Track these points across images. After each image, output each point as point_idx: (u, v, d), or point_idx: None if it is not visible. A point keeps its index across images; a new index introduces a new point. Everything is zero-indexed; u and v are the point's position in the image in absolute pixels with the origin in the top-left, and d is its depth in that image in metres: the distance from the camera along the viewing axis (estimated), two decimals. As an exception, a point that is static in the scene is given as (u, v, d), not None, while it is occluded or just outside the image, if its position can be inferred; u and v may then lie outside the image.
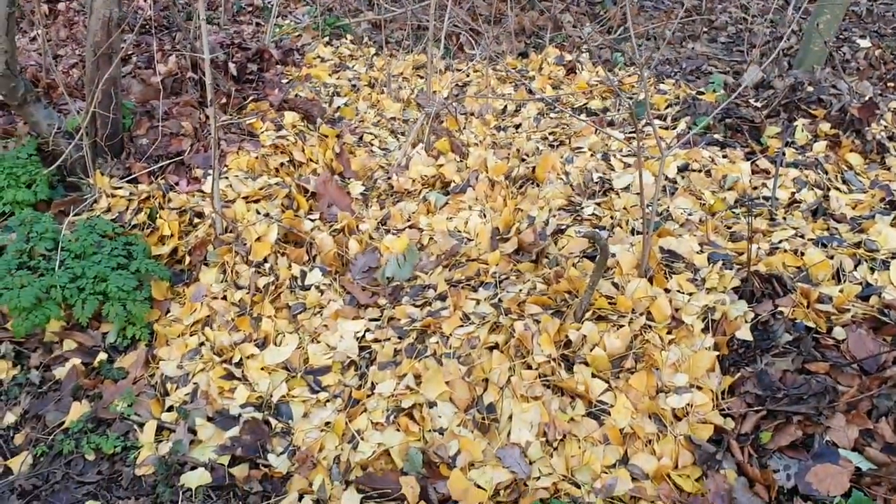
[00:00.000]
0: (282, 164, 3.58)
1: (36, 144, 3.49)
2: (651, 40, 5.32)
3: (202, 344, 2.70)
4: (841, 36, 4.97)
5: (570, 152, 3.71)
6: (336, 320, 2.76)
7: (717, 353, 2.38)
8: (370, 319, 2.79)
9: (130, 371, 2.65)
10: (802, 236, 2.88)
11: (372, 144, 3.86)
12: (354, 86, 4.59)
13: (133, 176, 3.43)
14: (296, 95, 4.31)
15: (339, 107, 4.28)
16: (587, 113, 4.24)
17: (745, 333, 2.38)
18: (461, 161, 3.66)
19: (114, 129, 3.60)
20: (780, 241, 2.84)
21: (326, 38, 5.33)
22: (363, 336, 2.70)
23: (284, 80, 4.59)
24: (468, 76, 4.76)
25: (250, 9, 5.81)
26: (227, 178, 3.41)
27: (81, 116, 3.51)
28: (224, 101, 4.10)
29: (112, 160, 3.55)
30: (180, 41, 4.63)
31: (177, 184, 3.42)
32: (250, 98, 4.20)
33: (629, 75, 4.67)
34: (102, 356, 2.70)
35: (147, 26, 4.85)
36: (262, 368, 2.59)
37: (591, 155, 3.67)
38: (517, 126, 4.09)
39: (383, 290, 2.94)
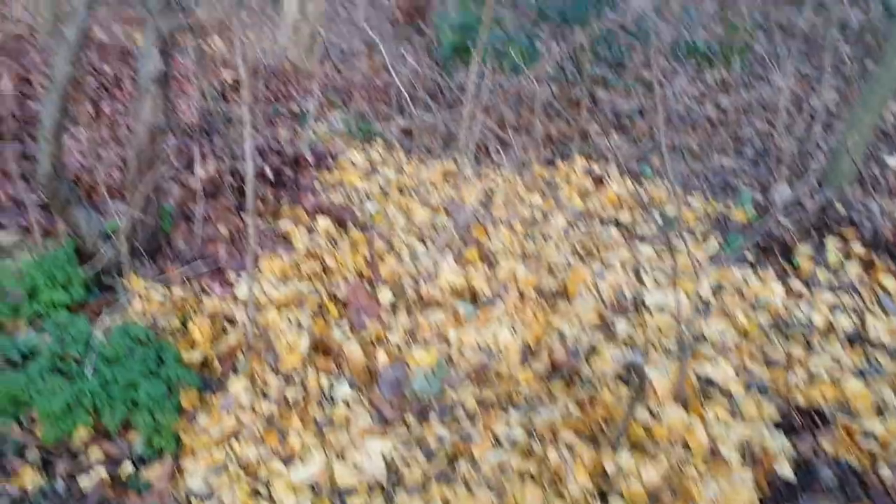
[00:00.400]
0: (314, 271, 3.61)
1: (74, 245, 3.55)
2: (677, 152, 5.40)
3: (229, 457, 2.66)
4: (869, 153, 5.02)
5: (601, 266, 3.72)
6: (363, 438, 2.72)
7: (756, 489, 2.31)
8: (398, 438, 2.75)
9: (156, 483, 2.61)
10: (840, 364, 2.83)
11: (401, 251, 3.89)
12: (385, 191, 4.66)
13: (168, 279, 3.47)
14: (329, 200, 4.39)
15: (369, 212, 4.34)
16: (616, 225, 4.27)
17: (786, 471, 2.31)
18: (490, 271, 3.68)
19: (151, 231, 3.67)
20: (818, 369, 2.79)
21: (358, 143, 5.46)
22: (391, 456, 2.65)
23: (318, 185, 4.68)
24: (496, 184, 4.83)
25: (286, 113, 5.99)
26: (259, 283, 3.44)
27: (121, 219, 3.59)
28: (260, 205, 4.18)
29: (148, 262, 3.61)
30: (220, 145, 4.76)
31: (210, 288, 3.46)
32: (285, 202, 4.28)
33: (657, 188, 4.72)
34: (128, 466, 2.67)
35: (188, 130, 5.00)
36: (289, 487, 2.54)
37: (622, 269, 3.68)
38: (546, 236, 4.12)
39: (411, 406, 2.91)
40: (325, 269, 3.66)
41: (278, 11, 7.52)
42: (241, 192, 4.25)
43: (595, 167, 5.05)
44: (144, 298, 3.32)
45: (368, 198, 4.55)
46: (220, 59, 7.03)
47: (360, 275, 3.65)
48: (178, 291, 3.39)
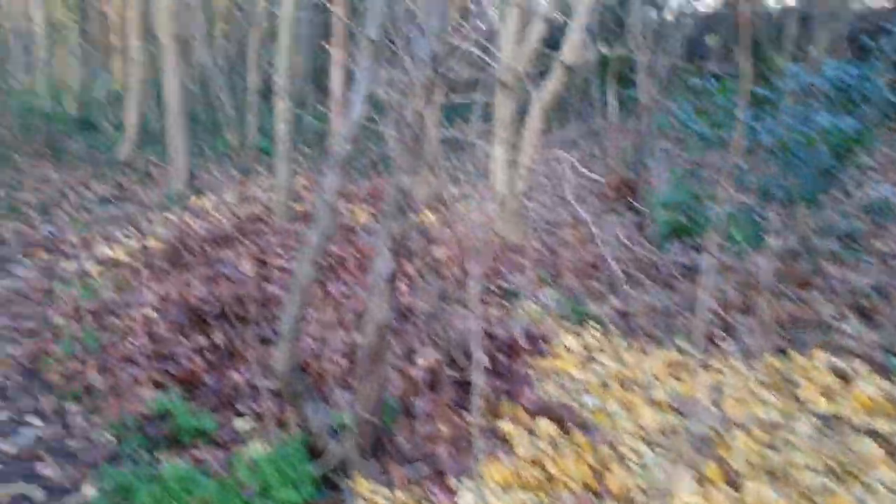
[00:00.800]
0: (536, 479, 3.44)
1: (305, 439, 3.65)
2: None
3: None
4: None
5: (862, 490, 3.26)
6: None
7: None
8: None
9: None
10: None
11: (629, 459, 3.64)
12: (604, 382, 4.47)
13: (391, 481, 3.45)
14: (545, 393, 4.26)
15: (589, 407, 4.15)
16: (873, 435, 3.77)
17: None
18: (733, 490, 3.32)
19: (375, 427, 3.70)
20: None
21: (571, 325, 5.36)
22: None
23: (532, 373, 4.58)
24: (725, 376, 4.50)
25: (496, 290, 6.05)
26: (480, 491, 3.32)
27: (347, 413, 3.66)
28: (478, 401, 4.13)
29: (371, 460, 3.61)
30: (436, 329, 4.83)
31: (432, 494, 3.38)
32: (501, 395, 4.20)
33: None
34: None
35: (405, 312, 5.15)
36: None
37: (890, 496, 3.20)
38: (791, 445, 3.70)
39: None
40: (548, 476, 3.48)
41: (486, 185, 7.82)
42: (459, 384, 4.23)
43: (834, 359, 4.58)
44: (369, 502, 3.30)
45: (587, 391, 4.37)
46: (431, 234, 7.33)
47: (586, 486, 3.43)
48: (400, 496, 3.34)
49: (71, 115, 14.83)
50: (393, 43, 3.91)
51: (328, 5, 9.64)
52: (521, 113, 7.48)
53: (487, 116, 13.43)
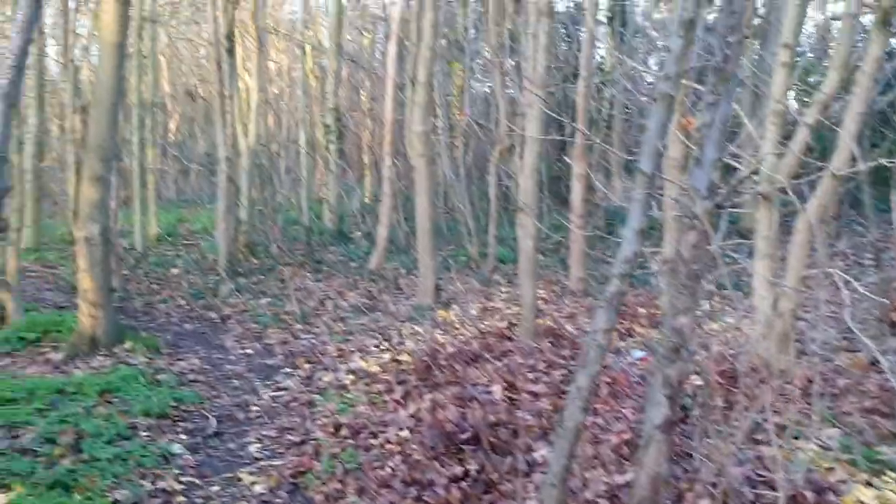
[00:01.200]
0: None
1: None
2: None
3: None
4: None
5: None
6: None
7: None
8: None
9: None
10: None
11: None
12: (917, 554, 3.79)
13: None
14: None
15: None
16: None
17: None
18: None
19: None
20: None
21: (863, 473, 4.67)
22: None
23: (823, 532, 4.01)
24: None
25: (764, 424, 5.46)
26: None
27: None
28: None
29: None
30: (705, 470, 4.41)
31: None
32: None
33: None
34: None
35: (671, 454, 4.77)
36: None
37: None
38: None
39: None
40: None
41: (747, 304, 7.26)
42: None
43: None
44: None
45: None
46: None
47: None
48: None
49: (327, 227, 16.17)
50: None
51: (572, 124, 9.77)
52: (784, 224, 6.95)
53: (733, 223, 12.74)
